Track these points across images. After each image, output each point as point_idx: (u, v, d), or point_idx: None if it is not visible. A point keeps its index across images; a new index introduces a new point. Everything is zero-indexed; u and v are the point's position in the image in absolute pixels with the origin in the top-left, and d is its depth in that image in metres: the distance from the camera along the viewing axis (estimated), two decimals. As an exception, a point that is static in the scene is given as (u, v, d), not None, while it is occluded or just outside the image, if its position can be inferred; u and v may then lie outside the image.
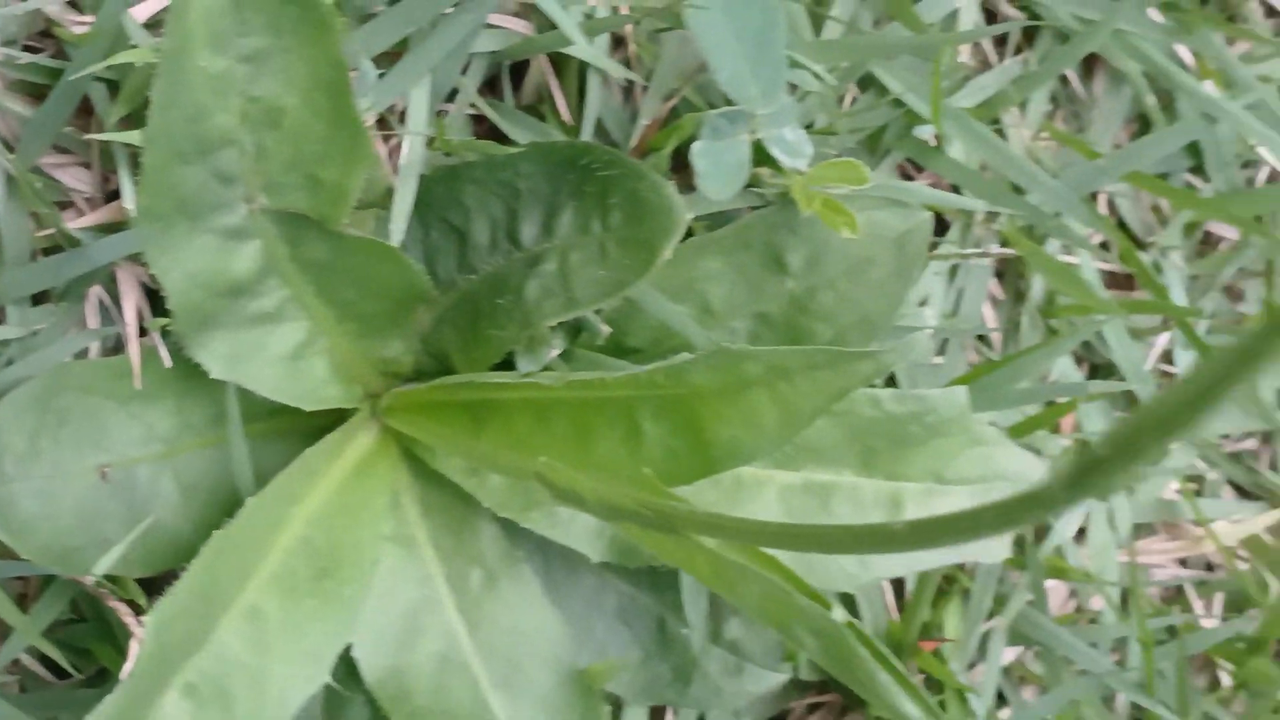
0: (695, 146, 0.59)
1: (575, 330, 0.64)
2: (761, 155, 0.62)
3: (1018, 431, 0.71)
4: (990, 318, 0.75)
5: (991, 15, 0.73)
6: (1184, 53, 0.75)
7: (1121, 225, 0.78)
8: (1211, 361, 0.28)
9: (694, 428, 0.57)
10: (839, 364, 0.54)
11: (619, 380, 0.57)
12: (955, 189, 0.71)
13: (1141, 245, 0.78)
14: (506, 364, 0.63)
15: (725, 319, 0.65)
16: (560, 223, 0.61)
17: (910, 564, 0.67)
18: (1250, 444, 0.83)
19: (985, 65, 0.74)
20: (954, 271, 0.74)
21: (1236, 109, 0.74)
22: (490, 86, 0.65)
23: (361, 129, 0.54)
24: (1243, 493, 0.82)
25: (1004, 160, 0.69)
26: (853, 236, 0.60)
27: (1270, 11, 0.80)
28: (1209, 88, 0.75)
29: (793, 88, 0.66)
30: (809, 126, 0.68)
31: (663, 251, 0.58)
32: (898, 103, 0.69)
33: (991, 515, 0.36)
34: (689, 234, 0.61)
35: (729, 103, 0.61)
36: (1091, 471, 0.31)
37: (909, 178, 0.72)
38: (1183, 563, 0.81)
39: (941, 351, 0.73)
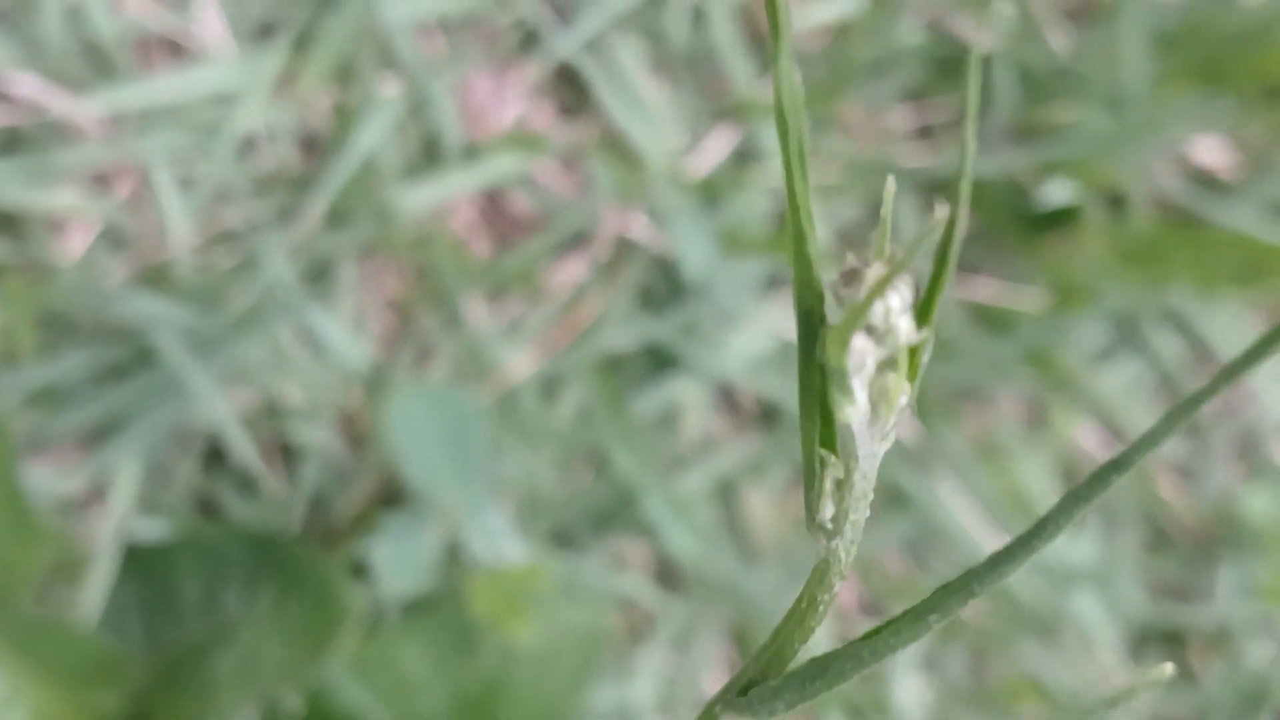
0: (374, 544, 0.62)
1: (274, 709, 0.66)
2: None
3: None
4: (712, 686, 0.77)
5: (730, 404, 0.76)
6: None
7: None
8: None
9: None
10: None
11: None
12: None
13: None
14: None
15: (423, 696, 0.67)
16: (260, 597, 0.64)
17: None
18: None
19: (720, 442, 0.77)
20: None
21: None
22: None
23: (30, 519, 0.57)
24: None
25: (711, 551, 0.72)
26: (531, 636, 0.63)
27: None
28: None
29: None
30: (535, 503, 0.71)
31: (336, 640, 0.61)
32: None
33: None
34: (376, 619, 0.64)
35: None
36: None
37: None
38: None
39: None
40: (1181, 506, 0.84)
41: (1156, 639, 0.86)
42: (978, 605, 0.82)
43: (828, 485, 0.18)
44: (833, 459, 0.18)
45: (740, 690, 0.22)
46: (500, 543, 0.66)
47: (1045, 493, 0.81)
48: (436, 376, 0.69)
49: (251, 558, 0.64)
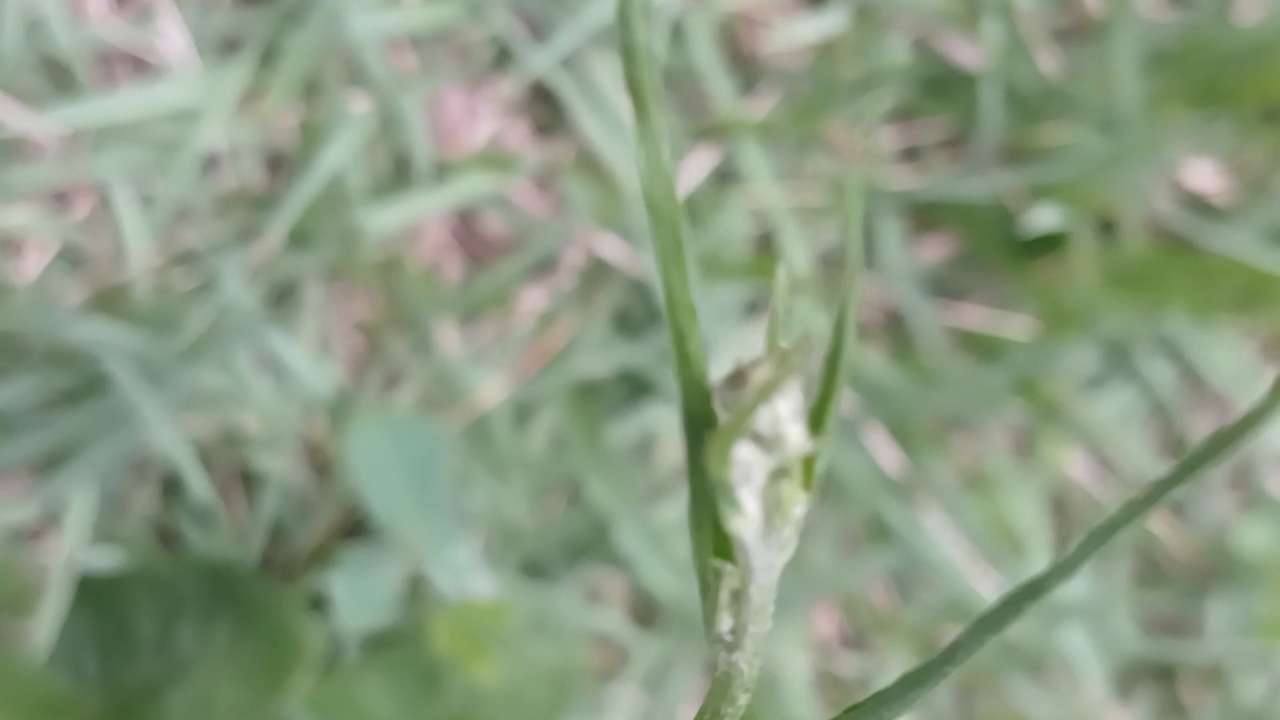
0: (333, 578, 0.60)
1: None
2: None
3: None
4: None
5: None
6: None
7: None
8: None
9: None
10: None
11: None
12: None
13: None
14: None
15: (388, 733, 0.65)
16: (216, 632, 0.62)
17: None
18: None
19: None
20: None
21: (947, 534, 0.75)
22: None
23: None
24: None
25: (687, 584, 0.69)
26: (499, 674, 0.60)
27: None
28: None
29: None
30: (506, 535, 0.68)
31: (293, 678, 0.59)
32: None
33: None
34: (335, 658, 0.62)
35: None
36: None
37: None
38: None
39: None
40: (1173, 539, 0.82)
41: (1147, 674, 0.84)
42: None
43: (723, 597, 0.16)
44: (729, 568, 0.16)
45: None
46: (466, 577, 0.63)
47: (1034, 524, 0.79)
48: (405, 403, 0.67)
49: (207, 591, 0.62)
